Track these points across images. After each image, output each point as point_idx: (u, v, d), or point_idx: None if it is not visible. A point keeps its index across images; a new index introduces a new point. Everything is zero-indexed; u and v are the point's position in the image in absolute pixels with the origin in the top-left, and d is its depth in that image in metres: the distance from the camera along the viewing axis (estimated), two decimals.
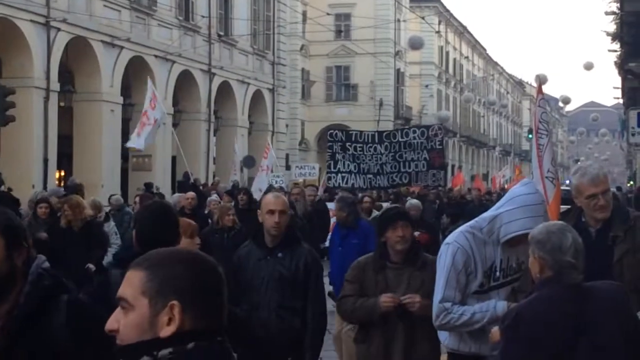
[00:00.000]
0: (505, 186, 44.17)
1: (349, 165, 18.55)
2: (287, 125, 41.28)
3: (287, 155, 40.93)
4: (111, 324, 1.93)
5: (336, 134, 18.89)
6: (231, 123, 33.29)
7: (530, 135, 52.26)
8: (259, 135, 35.54)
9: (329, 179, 18.94)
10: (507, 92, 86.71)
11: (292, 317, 5.17)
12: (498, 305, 4.06)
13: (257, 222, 5.39)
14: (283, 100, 39.42)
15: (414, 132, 18.88)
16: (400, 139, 18.47)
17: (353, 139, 18.67)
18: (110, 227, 11.07)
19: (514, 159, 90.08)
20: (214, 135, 32.37)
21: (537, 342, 3.23)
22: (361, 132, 19.56)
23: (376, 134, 19.24)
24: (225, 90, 32.96)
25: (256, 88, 35.80)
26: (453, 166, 58.62)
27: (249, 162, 30.22)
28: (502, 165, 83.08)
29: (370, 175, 18.56)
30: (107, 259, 9.97)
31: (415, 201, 11.87)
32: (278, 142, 38.27)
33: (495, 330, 3.65)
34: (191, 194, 13.42)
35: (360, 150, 18.54)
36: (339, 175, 18.61)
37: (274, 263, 5.22)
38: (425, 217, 12.57)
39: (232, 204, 12.03)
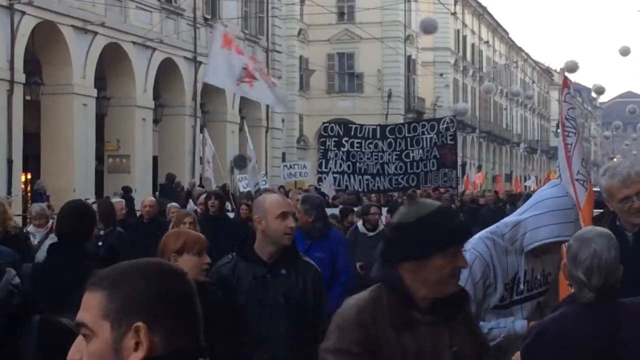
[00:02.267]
0: (532, 188, 44.13)
1: (341, 164, 18.37)
2: (283, 120, 41.26)
3: (284, 154, 40.92)
4: (73, 354, 1.89)
5: (332, 127, 18.79)
6: (220, 118, 33.31)
7: (559, 130, 51.99)
8: (252, 131, 35.51)
9: (319, 180, 18.81)
10: (533, 82, 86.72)
11: (309, 352, 4.25)
12: (517, 323, 4.08)
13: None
14: None
15: (423, 126, 18.73)
16: (407, 134, 18.32)
17: (352, 133, 18.51)
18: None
19: (541, 157, 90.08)
20: (201, 132, 32.38)
21: None
22: (361, 126, 19.39)
23: (378, 128, 19.04)
24: None
25: None
26: (472, 165, 58.61)
27: (240, 162, 30.24)
28: (527, 165, 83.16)
29: (368, 177, 18.39)
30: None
31: (429, 202, 11.28)
32: (273, 140, 38.28)
33: (518, 355, 3.65)
34: (150, 197, 12.99)
35: (357, 147, 18.33)
36: (331, 176, 18.50)
37: (276, 283, 4.68)
38: None
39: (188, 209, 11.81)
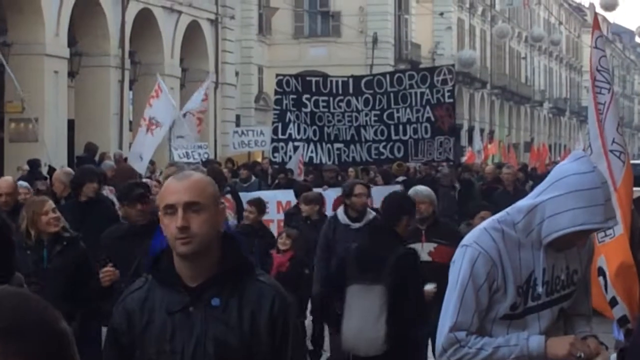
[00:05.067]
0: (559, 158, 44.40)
1: (305, 129, 18.22)
2: (237, 73, 41.14)
3: (238, 116, 40.80)
4: None
5: (287, 81, 18.60)
6: (155, 70, 33.07)
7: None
8: (196, 87, 35.34)
9: (275, 150, 18.61)
10: (560, 23, 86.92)
11: None
12: (532, 339, 4.06)
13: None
14: (231, 36, 39.26)
15: (411, 77, 18.45)
16: (390, 89, 18.14)
17: (313, 89, 18.35)
18: None
19: (570, 120, 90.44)
20: (130, 88, 32.21)
21: None
22: (325, 78, 19.22)
23: (350, 80, 18.79)
24: (145, 22, 32.78)
25: (191, 19, 35.62)
26: (482, 131, 58.78)
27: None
28: (551, 130, 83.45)
29: (340, 145, 18.28)
30: None
31: (423, 189, 10.29)
32: (225, 98, 38.15)
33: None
34: (6, 179, 11.39)
35: (324, 107, 18.18)
36: (290, 144, 18.36)
37: (204, 320, 3.82)
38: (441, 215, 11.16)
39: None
